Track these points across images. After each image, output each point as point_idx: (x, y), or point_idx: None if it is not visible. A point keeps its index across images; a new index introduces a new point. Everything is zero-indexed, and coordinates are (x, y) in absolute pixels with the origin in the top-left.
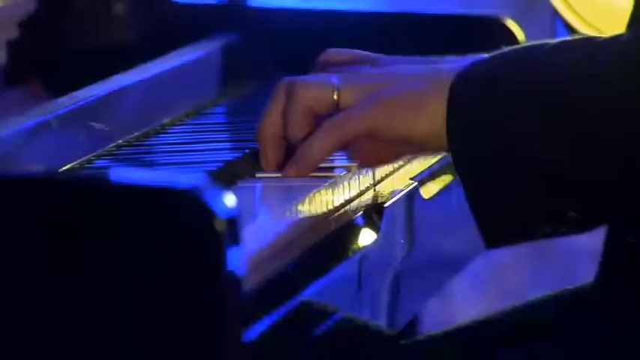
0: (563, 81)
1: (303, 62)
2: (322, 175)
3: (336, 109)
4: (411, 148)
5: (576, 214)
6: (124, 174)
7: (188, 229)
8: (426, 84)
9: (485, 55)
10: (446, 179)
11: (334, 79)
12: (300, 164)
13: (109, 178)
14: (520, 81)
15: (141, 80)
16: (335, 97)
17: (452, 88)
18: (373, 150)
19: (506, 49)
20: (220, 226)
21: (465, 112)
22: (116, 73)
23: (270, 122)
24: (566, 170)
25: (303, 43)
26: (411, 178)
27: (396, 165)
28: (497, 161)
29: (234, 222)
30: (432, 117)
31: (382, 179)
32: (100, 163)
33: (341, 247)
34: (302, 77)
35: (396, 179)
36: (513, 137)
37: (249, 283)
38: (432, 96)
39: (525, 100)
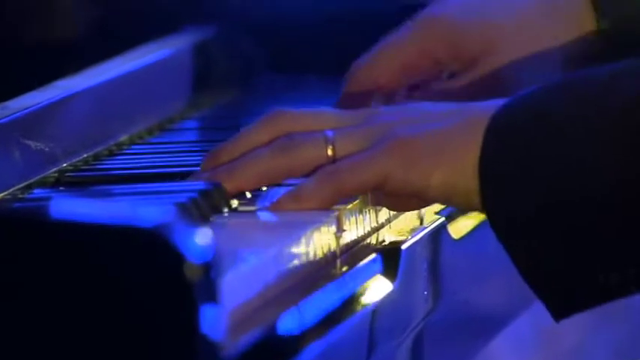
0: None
1: (295, 63)
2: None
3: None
4: (429, 203)
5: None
6: (68, 207)
7: (151, 278)
8: (454, 122)
9: (527, 92)
10: (480, 215)
11: (328, 131)
12: (283, 207)
13: (49, 213)
14: (578, 114)
15: (90, 87)
16: (329, 152)
17: (488, 129)
18: (380, 201)
19: (549, 82)
20: (192, 273)
21: (505, 158)
22: (59, 77)
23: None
24: None
25: (295, 39)
26: (437, 213)
27: None
28: (550, 216)
29: (210, 269)
30: (462, 167)
31: (400, 213)
32: (38, 192)
33: (347, 300)
34: (290, 136)
35: (417, 214)
36: (570, 182)
37: (230, 349)
38: (461, 139)
39: (591, 135)
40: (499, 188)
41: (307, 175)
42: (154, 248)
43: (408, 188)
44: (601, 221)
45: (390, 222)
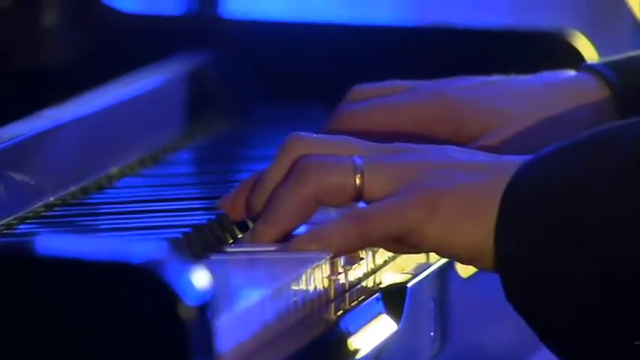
0: None
1: (294, 91)
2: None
3: (359, 199)
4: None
5: None
6: (55, 243)
7: (142, 318)
8: (485, 178)
9: (546, 152)
10: None
11: (357, 158)
12: (304, 247)
13: (35, 249)
14: (600, 183)
15: (79, 117)
16: (357, 182)
17: (506, 191)
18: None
19: (581, 135)
20: (186, 313)
21: (520, 223)
22: (46, 106)
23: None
24: None
25: (294, 67)
26: None
27: None
28: (564, 285)
29: (204, 308)
30: (483, 228)
31: None
32: (24, 228)
33: (348, 341)
34: (315, 157)
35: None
36: (589, 253)
37: None
38: (491, 197)
39: (608, 207)
40: (512, 253)
41: (331, 203)
42: (145, 287)
43: (428, 244)
44: (621, 293)
45: (394, 259)
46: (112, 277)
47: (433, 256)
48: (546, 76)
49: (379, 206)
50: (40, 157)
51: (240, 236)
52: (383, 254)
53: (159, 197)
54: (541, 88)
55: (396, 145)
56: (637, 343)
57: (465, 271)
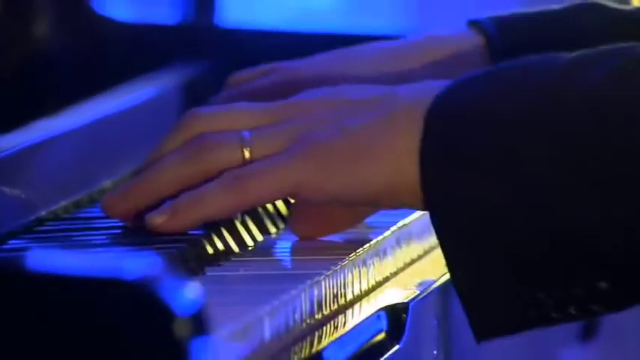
0: (596, 105)
1: None
2: (322, 258)
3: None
4: (364, 209)
5: (608, 284)
6: (47, 259)
7: (136, 335)
8: (380, 116)
9: (468, 74)
10: None
11: (245, 132)
12: (178, 217)
13: (26, 265)
14: (530, 107)
15: (71, 129)
16: (247, 155)
17: (428, 120)
18: (317, 212)
19: (500, 65)
20: (182, 330)
21: (451, 152)
22: (37, 117)
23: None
24: (600, 225)
25: None
26: None
27: (425, 246)
28: (499, 217)
29: (200, 325)
30: (392, 165)
31: (407, 265)
32: (14, 243)
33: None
34: (204, 135)
35: (426, 266)
36: (526, 183)
37: None
38: (386, 135)
39: (542, 129)
40: (446, 185)
41: None
42: (140, 303)
43: (322, 196)
44: (545, 230)
45: (396, 275)
46: (105, 294)
47: (436, 272)
48: (413, 36)
49: (259, 164)
50: (31, 170)
51: (236, 250)
52: (384, 270)
53: None
54: (400, 47)
55: (290, 101)
56: (603, 283)
57: None
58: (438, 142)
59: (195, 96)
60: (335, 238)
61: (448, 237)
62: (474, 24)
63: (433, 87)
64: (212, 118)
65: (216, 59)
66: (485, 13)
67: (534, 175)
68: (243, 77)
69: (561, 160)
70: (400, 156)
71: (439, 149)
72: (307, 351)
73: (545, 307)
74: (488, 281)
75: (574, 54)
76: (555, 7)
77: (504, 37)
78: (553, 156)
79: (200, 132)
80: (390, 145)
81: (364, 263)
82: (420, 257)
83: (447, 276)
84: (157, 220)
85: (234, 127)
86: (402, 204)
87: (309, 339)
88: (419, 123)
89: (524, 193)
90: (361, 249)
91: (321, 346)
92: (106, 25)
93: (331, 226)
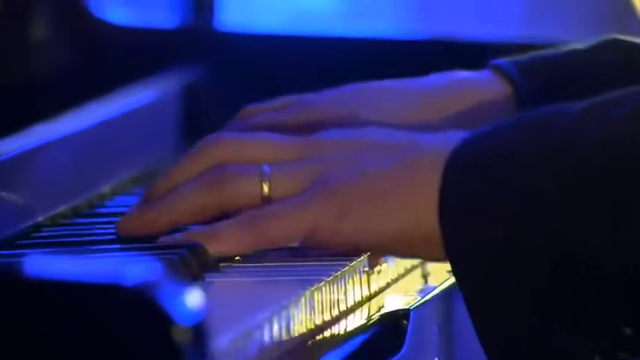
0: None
1: None
2: (322, 264)
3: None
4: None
5: (631, 330)
6: (45, 265)
7: (136, 342)
8: (397, 161)
9: (487, 126)
10: None
11: (265, 166)
12: (199, 240)
13: (24, 271)
14: (548, 154)
15: (69, 133)
16: (265, 190)
17: (447, 171)
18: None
19: (518, 116)
20: (181, 337)
21: (469, 203)
22: (34, 122)
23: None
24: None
25: (293, 82)
26: (450, 271)
27: None
28: (524, 266)
29: (200, 332)
30: (410, 213)
31: (408, 271)
32: (12, 249)
33: None
34: (223, 166)
35: (427, 272)
36: (548, 233)
37: None
38: (409, 181)
39: (561, 177)
40: (464, 236)
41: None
42: (139, 309)
43: (338, 240)
44: (564, 275)
45: (397, 281)
46: (104, 300)
47: (437, 278)
48: (439, 77)
49: (277, 206)
50: (28, 175)
51: (236, 257)
52: (385, 276)
53: None
54: (426, 91)
55: (313, 139)
56: (628, 329)
57: None
58: (457, 192)
59: (193, 100)
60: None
61: (470, 287)
62: (496, 69)
63: (454, 137)
64: (234, 146)
65: (215, 63)
66: (485, 15)
67: (555, 221)
68: (256, 109)
69: (583, 199)
70: (418, 205)
71: (457, 200)
72: (307, 358)
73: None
74: (516, 332)
75: (590, 100)
76: (574, 45)
77: (528, 83)
78: (575, 198)
79: (221, 160)
80: (409, 192)
81: (364, 270)
82: (421, 263)
83: (448, 283)
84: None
85: (256, 158)
86: (414, 254)
87: (309, 345)
88: (438, 173)
89: (549, 243)
90: (363, 255)
91: (321, 353)
92: (105, 28)
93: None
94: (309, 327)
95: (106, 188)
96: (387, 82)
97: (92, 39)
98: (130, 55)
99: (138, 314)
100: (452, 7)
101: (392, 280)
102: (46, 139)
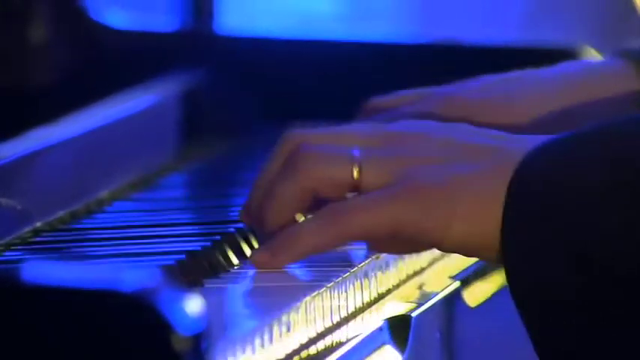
0: None
1: (294, 111)
2: (323, 270)
3: (356, 192)
4: (447, 252)
5: None
6: (42, 271)
7: (134, 349)
8: (485, 168)
9: (559, 138)
10: (500, 279)
11: (355, 150)
12: (278, 254)
13: (21, 277)
14: (614, 180)
15: (68, 138)
16: (355, 174)
17: (512, 182)
18: (388, 245)
19: (594, 123)
20: (180, 344)
21: (531, 219)
22: (33, 126)
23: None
24: None
25: (294, 85)
26: (452, 277)
27: (428, 257)
28: (580, 290)
29: (199, 339)
30: (484, 220)
31: (409, 277)
32: (9, 255)
33: None
34: (311, 147)
35: (429, 278)
36: (600, 252)
37: None
38: (490, 188)
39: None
40: (522, 252)
41: (328, 195)
42: (137, 315)
43: (422, 238)
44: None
45: (398, 287)
46: (102, 306)
47: (439, 284)
48: (569, 66)
49: (359, 200)
50: (26, 180)
51: (236, 262)
52: (386, 282)
53: (151, 222)
54: (561, 80)
55: (399, 128)
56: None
57: (473, 300)
58: (518, 209)
59: (193, 104)
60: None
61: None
62: (628, 56)
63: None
64: (316, 137)
65: (215, 67)
66: (486, 19)
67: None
68: (385, 102)
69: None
70: (497, 216)
71: (518, 218)
72: None
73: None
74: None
75: None
76: None
77: None
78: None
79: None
80: (490, 199)
81: (366, 275)
82: (422, 269)
83: (450, 289)
84: (259, 258)
85: (344, 144)
86: (484, 258)
87: (310, 351)
88: (503, 187)
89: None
90: (364, 261)
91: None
92: (104, 32)
93: (401, 252)
94: (310, 333)
95: (104, 194)
96: (521, 73)
97: (91, 43)
98: (129, 58)
99: (136, 321)
100: (453, 11)
101: (393, 286)
102: (44, 143)
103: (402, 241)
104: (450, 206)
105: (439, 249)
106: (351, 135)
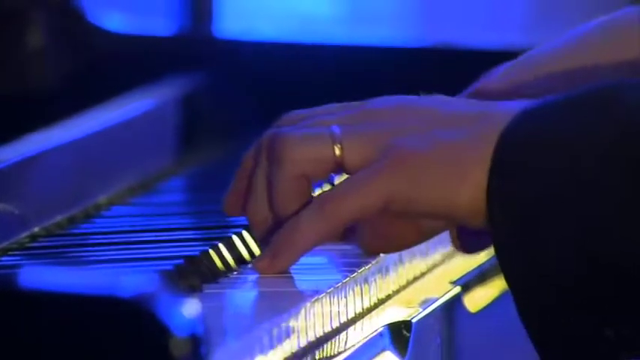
0: None
1: None
2: (323, 275)
3: (341, 169)
4: (446, 224)
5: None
6: (40, 276)
7: (132, 353)
8: (469, 134)
9: (549, 98)
10: (501, 284)
11: (335, 127)
12: (279, 256)
13: (19, 283)
14: (600, 141)
15: (65, 142)
16: (337, 152)
17: (496, 147)
18: (387, 228)
19: (580, 88)
20: (178, 349)
21: (513, 186)
22: (30, 131)
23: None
24: None
25: (293, 89)
26: (452, 282)
27: (429, 262)
28: (568, 260)
29: (197, 343)
30: (470, 186)
31: (409, 283)
32: (6, 260)
33: None
34: (289, 130)
35: (429, 283)
36: (597, 227)
37: None
38: (476, 153)
39: (608, 171)
40: (507, 221)
41: (314, 176)
42: (136, 320)
43: (414, 208)
44: (608, 257)
45: (398, 292)
46: (100, 312)
47: (439, 289)
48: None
49: (345, 184)
50: (24, 184)
51: (235, 268)
52: (386, 288)
53: (149, 227)
54: (580, 35)
55: (376, 105)
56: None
57: (473, 305)
58: (503, 174)
59: (192, 108)
60: (336, 254)
61: (513, 266)
62: None
63: (515, 110)
64: (293, 117)
65: (214, 71)
66: (488, 22)
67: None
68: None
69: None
70: (479, 179)
71: (503, 184)
72: None
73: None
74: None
75: None
76: None
77: None
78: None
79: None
80: (477, 164)
81: (366, 280)
82: (423, 274)
83: (451, 294)
84: (260, 264)
85: (321, 124)
86: (482, 224)
87: (310, 357)
88: (488, 154)
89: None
90: (364, 266)
91: None
92: (102, 36)
93: (399, 243)
94: (310, 339)
95: (102, 198)
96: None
97: (89, 46)
98: (127, 62)
99: (135, 326)
100: (454, 14)
101: (393, 291)
102: (41, 147)
103: (394, 220)
104: (435, 173)
105: (428, 217)
106: (328, 114)
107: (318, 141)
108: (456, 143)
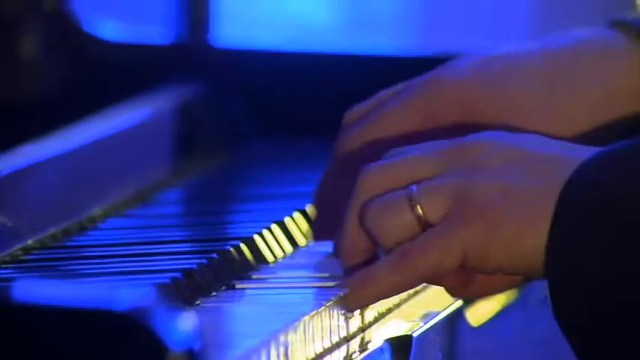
0: None
1: (290, 125)
2: (322, 286)
3: (426, 226)
4: (514, 282)
5: None
6: (34, 289)
7: None
8: (539, 183)
9: (616, 146)
10: (504, 298)
11: (413, 187)
12: (352, 298)
13: (12, 296)
14: None
15: (60, 153)
16: (419, 212)
17: (560, 195)
18: (469, 280)
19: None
20: None
21: (571, 236)
22: (24, 141)
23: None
24: None
25: (291, 99)
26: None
27: None
28: (619, 306)
29: (195, 358)
30: (533, 237)
31: (410, 296)
32: (0, 273)
33: None
34: (374, 199)
35: (430, 297)
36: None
37: None
38: (537, 205)
39: None
40: (560, 268)
41: (405, 239)
42: (132, 335)
43: (488, 266)
44: None
45: (399, 306)
46: (95, 326)
47: (441, 303)
48: (561, 38)
49: (425, 238)
50: (17, 196)
51: (232, 281)
52: (387, 301)
53: (146, 240)
54: (558, 56)
55: (461, 146)
56: None
57: (475, 319)
58: (564, 222)
59: (189, 118)
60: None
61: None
62: (620, 25)
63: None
64: (383, 173)
65: (211, 80)
66: (488, 28)
67: None
68: (362, 109)
69: None
70: (545, 231)
71: (563, 232)
72: None
73: None
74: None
75: None
76: None
77: None
78: None
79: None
80: (542, 218)
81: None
82: (424, 288)
83: (452, 308)
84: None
85: (404, 180)
86: (533, 276)
87: None
88: (552, 205)
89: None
90: None
91: None
92: (96, 45)
93: (488, 290)
94: (309, 354)
95: (97, 210)
96: (507, 50)
97: (84, 56)
98: (123, 71)
99: (131, 340)
100: (455, 22)
101: (394, 305)
102: (36, 158)
103: (469, 275)
104: (508, 229)
105: (505, 273)
106: (415, 163)
107: (398, 207)
108: (527, 193)
